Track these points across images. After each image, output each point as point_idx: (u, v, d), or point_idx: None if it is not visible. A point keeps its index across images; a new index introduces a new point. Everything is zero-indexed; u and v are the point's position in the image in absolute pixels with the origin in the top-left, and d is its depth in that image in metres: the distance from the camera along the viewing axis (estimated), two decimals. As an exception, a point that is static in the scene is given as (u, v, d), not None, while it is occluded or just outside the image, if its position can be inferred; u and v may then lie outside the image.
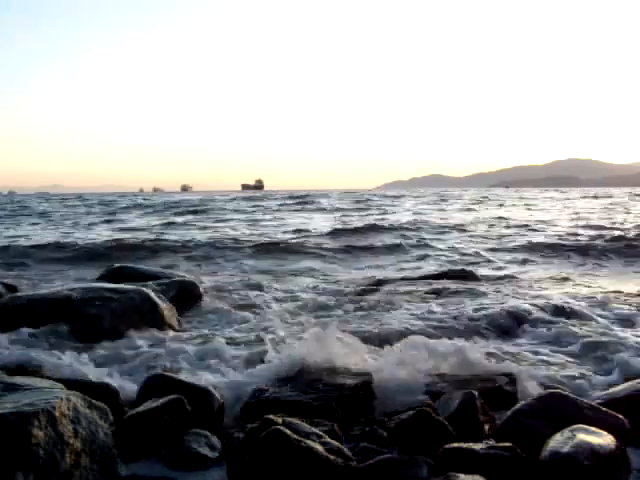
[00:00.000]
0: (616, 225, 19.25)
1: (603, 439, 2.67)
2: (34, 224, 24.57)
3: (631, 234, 14.95)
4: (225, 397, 3.56)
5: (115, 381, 3.88)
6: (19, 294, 6.22)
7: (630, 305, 6.57)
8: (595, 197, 52.20)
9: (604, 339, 5.02)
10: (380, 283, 8.32)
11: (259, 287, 8.24)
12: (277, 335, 5.36)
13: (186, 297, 6.82)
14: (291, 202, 43.66)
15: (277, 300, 7.32)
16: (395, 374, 3.73)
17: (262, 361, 4.25)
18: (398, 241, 14.70)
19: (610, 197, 51.08)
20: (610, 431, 2.76)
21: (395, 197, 57.92)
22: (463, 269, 9.26)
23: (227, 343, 5.10)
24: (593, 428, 2.76)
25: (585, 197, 53.01)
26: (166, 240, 15.17)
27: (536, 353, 4.84)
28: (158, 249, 13.21)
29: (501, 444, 2.74)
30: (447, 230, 18.63)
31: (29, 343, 4.95)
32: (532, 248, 13.03)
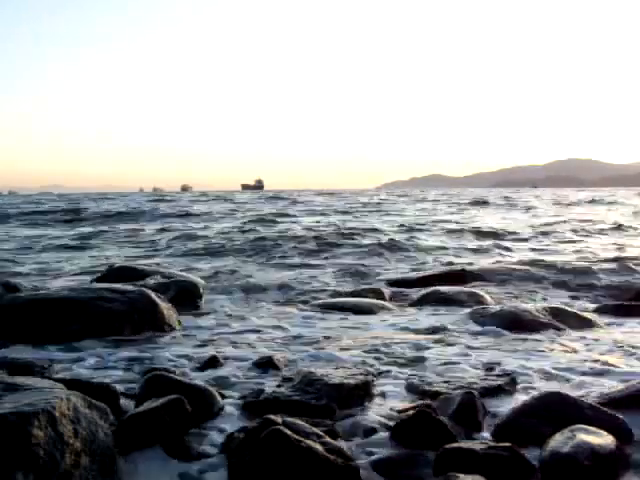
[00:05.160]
0: None
1: (603, 439, 2.68)
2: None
3: None
4: (224, 396, 3.56)
5: (114, 381, 3.89)
6: (19, 294, 6.21)
7: None
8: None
9: None
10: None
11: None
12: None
13: (186, 297, 6.83)
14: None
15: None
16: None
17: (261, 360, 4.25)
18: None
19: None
20: (610, 431, 2.77)
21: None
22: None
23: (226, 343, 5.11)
24: (593, 428, 2.76)
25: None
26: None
27: None
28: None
29: (501, 444, 2.74)
30: None
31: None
32: None
